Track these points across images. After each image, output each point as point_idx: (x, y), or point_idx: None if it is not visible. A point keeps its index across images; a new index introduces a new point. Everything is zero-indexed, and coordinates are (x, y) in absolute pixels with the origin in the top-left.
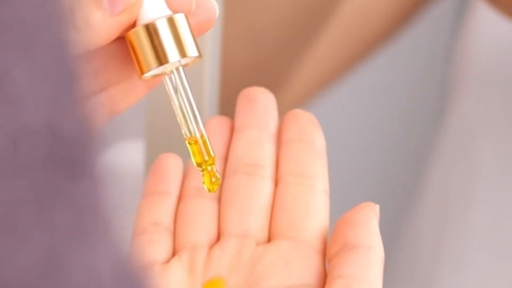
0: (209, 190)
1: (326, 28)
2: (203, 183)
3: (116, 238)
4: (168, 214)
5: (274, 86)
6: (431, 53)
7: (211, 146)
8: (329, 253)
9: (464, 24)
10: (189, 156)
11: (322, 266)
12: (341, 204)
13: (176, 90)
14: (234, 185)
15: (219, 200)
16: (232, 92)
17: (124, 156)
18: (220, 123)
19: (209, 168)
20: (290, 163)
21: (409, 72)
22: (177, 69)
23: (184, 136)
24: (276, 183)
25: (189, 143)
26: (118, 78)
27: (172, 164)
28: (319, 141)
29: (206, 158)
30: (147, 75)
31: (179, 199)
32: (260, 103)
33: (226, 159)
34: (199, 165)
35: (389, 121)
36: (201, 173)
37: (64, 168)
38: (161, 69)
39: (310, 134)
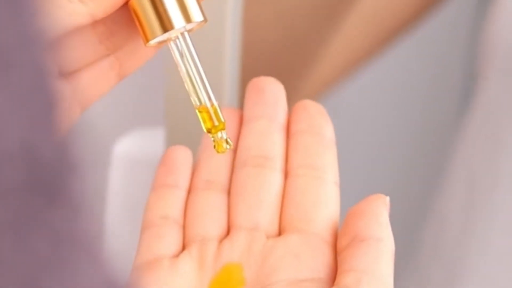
0: (219, 153)
1: (354, 12)
2: (214, 147)
3: (102, 260)
4: (177, 207)
5: (299, 70)
6: (457, 37)
7: (221, 112)
8: (339, 246)
9: (489, 8)
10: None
11: (333, 259)
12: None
13: (182, 56)
14: (243, 177)
15: (229, 193)
16: (254, 74)
17: (144, 144)
18: (229, 114)
19: (219, 134)
20: (300, 155)
21: (435, 57)
22: (182, 34)
23: (194, 104)
24: (286, 175)
25: (199, 111)
26: (125, 42)
27: (182, 157)
28: (329, 132)
29: (216, 123)
30: (152, 42)
31: (189, 192)
32: (269, 94)
33: (235, 150)
34: (209, 130)
35: (415, 106)
36: (212, 139)
37: (42, 193)
38: (166, 36)
39: (320, 125)
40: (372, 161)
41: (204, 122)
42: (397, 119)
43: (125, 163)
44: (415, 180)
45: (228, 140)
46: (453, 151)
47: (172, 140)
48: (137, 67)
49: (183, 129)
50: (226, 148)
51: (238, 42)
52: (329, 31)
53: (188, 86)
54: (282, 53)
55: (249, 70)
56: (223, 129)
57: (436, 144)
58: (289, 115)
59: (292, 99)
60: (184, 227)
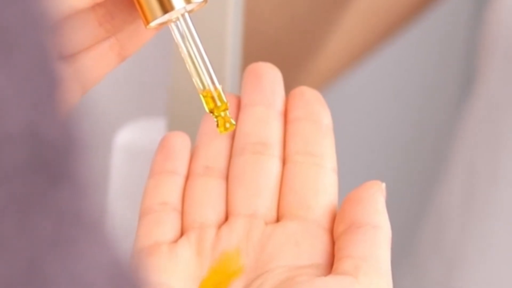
0: (221, 132)
1: (355, 5)
2: (217, 126)
3: (106, 241)
4: (175, 193)
5: (299, 61)
6: (458, 30)
7: (224, 94)
8: (336, 232)
9: (490, 0)
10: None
11: (331, 245)
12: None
13: (183, 37)
14: (242, 164)
15: (227, 179)
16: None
17: (146, 134)
18: (227, 99)
19: (222, 114)
20: (298, 142)
21: (434, 49)
22: (182, 15)
23: (197, 88)
24: (284, 161)
25: (203, 96)
26: (125, 24)
27: (180, 143)
28: (327, 119)
29: (219, 104)
30: (153, 24)
31: (187, 178)
32: (266, 80)
33: (233, 136)
34: (211, 111)
35: (415, 99)
36: (215, 119)
37: (45, 174)
38: (166, 17)
39: (317, 112)
40: (371, 155)
41: (207, 103)
42: (397, 112)
43: (127, 153)
44: (414, 173)
45: (231, 120)
46: (452, 144)
47: (173, 130)
48: (138, 49)
49: (184, 119)
50: (227, 126)
51: (240, 32)
52: (330, 22)
53: (190, 68)
54: (283, 44)
55: (250, 61)
56: (226, 109)
57: (436, 138)
58: (286, 101)
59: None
60: (182, 213)
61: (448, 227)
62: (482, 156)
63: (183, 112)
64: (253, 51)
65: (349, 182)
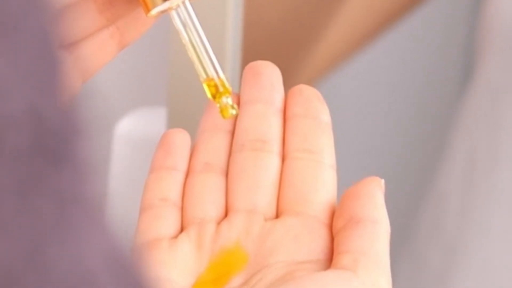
0: (224, 118)
1: None
2: (220, 112)
3: (104, 225)
4: (176, 189)
5: (299, 52)
6: (456, 18)
7: (228, 82)
8: (335, 227)
9: None
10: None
11: (330, 240)
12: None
13: (184, 25)
14: (241, 160)
15: (227, 175)
16: (254, 57)
17: (146, 124)
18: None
19: (224, 99)
20: (297, 138)
21: (434, 38)
22: (183, 2)
23: (199, 76)
24: (283, 158)
25: (206, 84)
26: (125, 12)
27: (180, 139)
28: (325, 116)
29: (221, 89)
30: (154, 11)
31: (187, 174)
32: (266, 77)
33: (233, 133)
34: (213, 96)
35: (414, 86)
36: (218, 105)
37: (47, 157)
38: (167, 5)
39: (316, 109)
40: (371, 142)
41: (210, 90)
42: (397, 100)
43: (127, 143)
44: (413, 160)
45: (234, 105)
46: (452, 131)
47: (174, 120)
48: (138, 37)
49: (185, 109)
50: (232, 113)
51: (240, 24)
52: (329, 12)
53: (192, 56)
54: (283, 35)
55: (250, 51)
56: (229, 94)
57: (436, 125)
58: (285, 99)
59: (291, 81)
60: (182, 209)
61: (447, 213)
62: (482, 143)
63: (183, 102)
64: (253, 42)
65: (349, 169)
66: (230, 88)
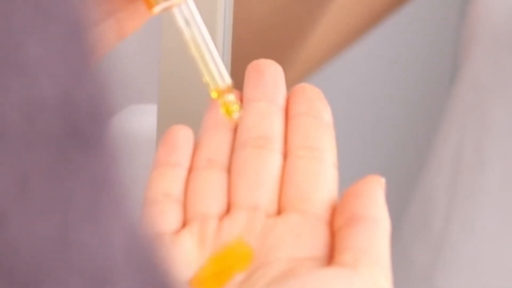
0: (226, 117)
1: None
2: (222, 110)
3: (130, 210)
4: (178, 185)
5: (289, 48)
6: (443, 16)
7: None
8: (335, 225)
9: None
10: (200, 127)
11: (331, 238)
12: (351, 177)
13: (187, 23)
14: (243, 158)
15: (229, 172)
16: (245, 50)
17: (138, 120)
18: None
19: (227, 96)
20: (299, 137)
21: (421, 36)
22: (186, 0)
23: (202, 76)
24: (285, 156)
25: (210, 84)
26: (124, 5)
27: (183, 136)
28: (327, 115)
29: (224, 87)
30: (157, 9)
31: (190, 170)
32: (269, 76)
33: (235, 130)
34: (216, 94)
35: (401, 86)
36: (220, 103)
37: (79, 141)
38: (169, 2)
39: (318, 108)
40: (356, 141)
41: (212, 87)
42: (383, 99)
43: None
44: (400, 159)
45: (238, 102)
46: (439, 129)
47: (164, 118)
48: (138, 28)
49: (176, 106)
50: (235, 111)
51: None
52: (317, 9)
53: (194, 54)
54: (271, 32)
55: (239, 49)
56: (232, 92)
57: (422, 123)
58: (287, 97)
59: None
60: (185, 205)
61: (433, 211)
62: (468, 142)
63: (174, 99)
64: (241, 40)
65: (340, 170)
66: (232, 86)
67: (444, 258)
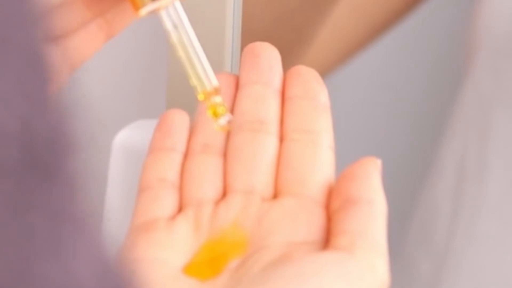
0: (213, 119)
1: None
2: (209, 112)
3: (96, 241)
4: (174, 170)
5: (293, 53)
6: (447, 26)
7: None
8: (331, 208)
9: None
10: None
11: (327, 222)
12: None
13: (174, 26)
14: (239, 141)
15: (225, 156)
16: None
17: (145, 136)
18: (225, 79)
19: (213, 99)
20: (295, 120)
21: (425, 44)
22: (173, 3)
23: (189, 77)
24: (281, 139)
25: (197, 87)
26: (112, 5)
27: (179, 120)
28: (323, 97)
29: (210, 90)
30: (143, 11)
31: (185, 155)
32: (264, 59)
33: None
34: (203, 97)
35: (404, 94)
36: (207, 106)
37: (39, 172)
38: (156, 4)
39: (314, 90)
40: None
41: (199, 90)
42: (387, 106)
43: (126, 154)
44: (404, 167)
45: (224, 105)
46: (443, 137)
47: None
48: (126, 26)
49: None
50: (221, 113)
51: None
52: (322, 17)
53: (181, 58)
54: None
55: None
56: (219, 94)
57: (427, 129)
58: (284, 80)
59: None
60: (180, 189)
61: (437, 219)
62: (472, 150)
63: None
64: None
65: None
66: (219, 87)
67: (448, 266)
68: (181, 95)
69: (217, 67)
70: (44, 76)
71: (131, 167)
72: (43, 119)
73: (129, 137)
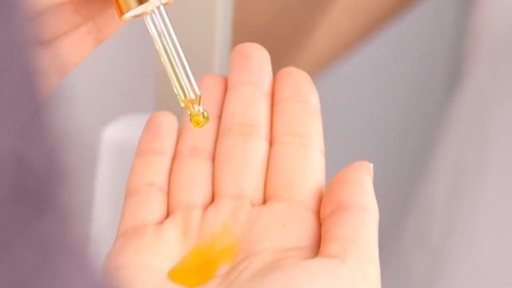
0: (195, 127)
1: None
2: (190, 120)
3: (89, 268)
4: (162, 174)
5: (289, 50)
6: (445, 25)
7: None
8: (323, 213)
9: None
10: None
11: (318, 227)
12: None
13: (158, 32)
14: (228, 145)
15: (214, 160)
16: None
17: (134, 130)
18: (214, 81)
19: (195, 107)
20: (285, 122)
21: (421, 45)
22: (158, 8)
23: (171, 82)
24: (271, 142)
25: (180, 94)
26: (101, 10)
27: (167, 123)
28: (314, 100)
29: (192, 97)
30: (127, 15)
31: (174, 159)
32: (254, 60)
33: (220, 117)
34: (184, 103)
35: (401, 94)
36: (188, 113)
37: (30, 202)
38: (141, 9)
39: (305, 93)
40: (355, 148)
41: (181, 97)
42: (383, 106)
43: (114, 150)
44: (400, 167)
45: (205, 114)
46: (439, 137)
47: None
48: (116, 31)
49: None
50: (202, 122)
51: (229, 26)
52: (318, 14)
53: (164, 62)
54: (271, 37)
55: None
56: (200, 102)
57: (423, 130)
58: (274, 82)
59: None
60: (168, 194)
61: (433, 220)
62: (469, 151)
63: (171, 108)
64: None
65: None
66: (200, 96)
67: (443, 268)
68: (170, 88)
69: (206, 68)
70: (36, 105)
71: (121, 161)
72: (36, 150)
73: (118, 131)
